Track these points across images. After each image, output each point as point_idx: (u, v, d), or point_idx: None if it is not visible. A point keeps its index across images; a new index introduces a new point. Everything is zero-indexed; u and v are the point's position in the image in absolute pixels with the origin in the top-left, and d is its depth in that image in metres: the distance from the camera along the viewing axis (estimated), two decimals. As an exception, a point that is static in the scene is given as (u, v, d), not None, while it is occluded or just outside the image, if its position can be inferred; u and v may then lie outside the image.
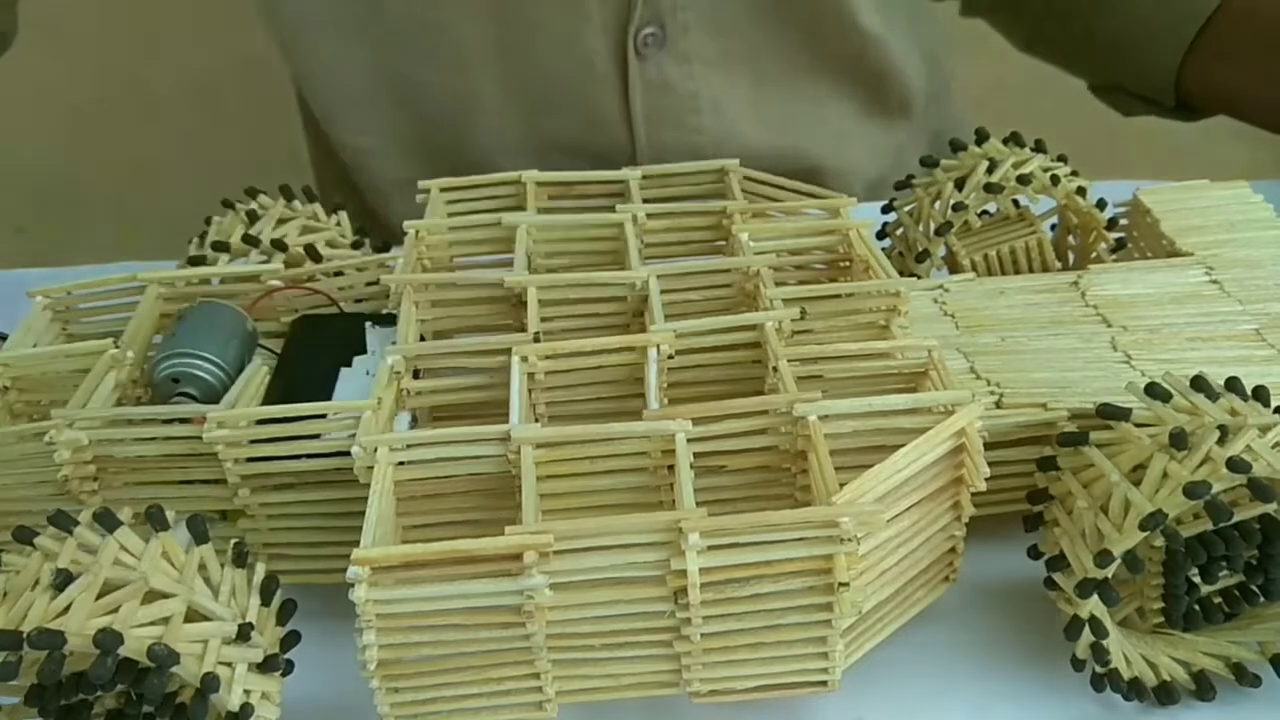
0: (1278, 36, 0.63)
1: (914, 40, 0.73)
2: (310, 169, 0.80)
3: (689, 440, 0.35)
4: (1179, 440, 0.34)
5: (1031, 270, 0.51)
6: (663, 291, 0.42)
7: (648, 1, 0.63)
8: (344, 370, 0.41)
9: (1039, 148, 0.51)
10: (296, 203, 0.51)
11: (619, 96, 0.65)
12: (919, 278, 0.49)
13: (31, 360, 0.42)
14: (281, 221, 0.50)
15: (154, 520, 0.33)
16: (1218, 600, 0.37)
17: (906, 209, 0.51)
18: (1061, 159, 0.51)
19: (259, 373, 0.40)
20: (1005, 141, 0.51)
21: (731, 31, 0.66)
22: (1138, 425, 0.36)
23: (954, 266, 0.50)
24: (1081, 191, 0.50)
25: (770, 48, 0.68)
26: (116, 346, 0.41)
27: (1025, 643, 0.38)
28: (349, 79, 0.67)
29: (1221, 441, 0.34)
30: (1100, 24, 0.69)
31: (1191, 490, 0.33)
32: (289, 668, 0.34)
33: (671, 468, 0.35)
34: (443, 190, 0.48)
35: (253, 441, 0.37)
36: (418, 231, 0.45)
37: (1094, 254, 0.51)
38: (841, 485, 0.33)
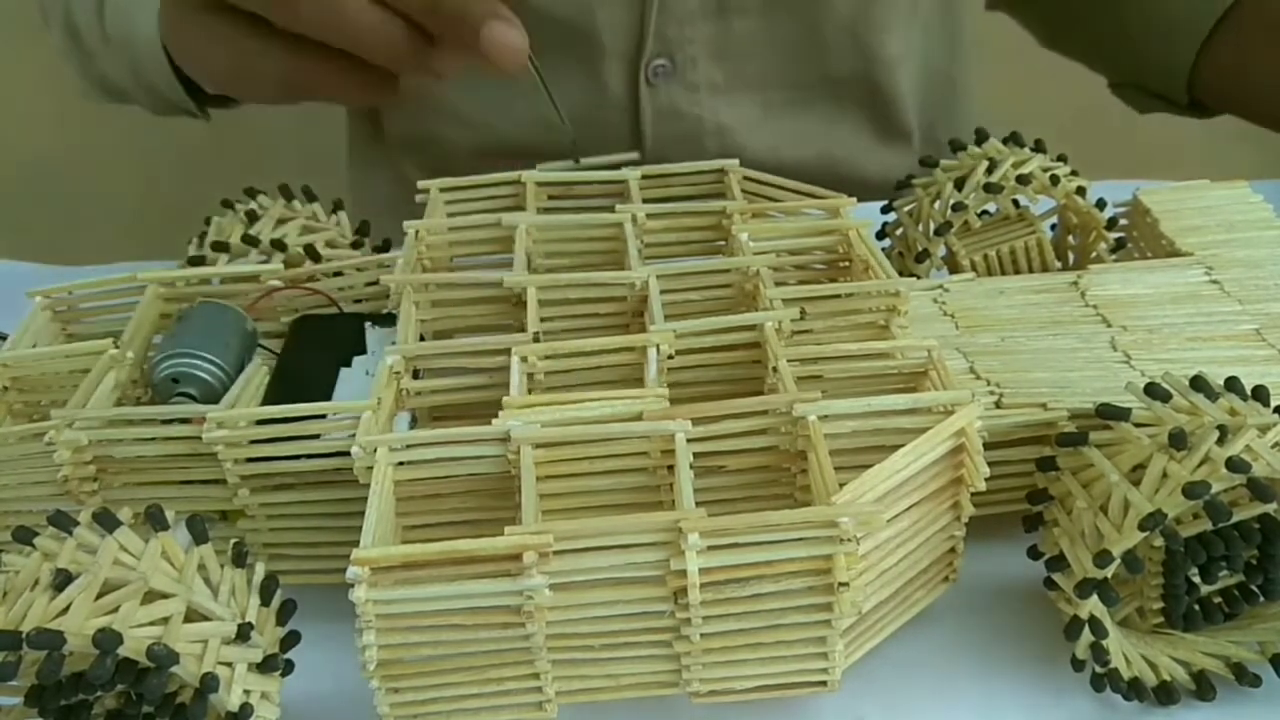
0: None
1: (924, 59, 0.75)
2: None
3: (689, 440, 0.35)
4: (1178, 440, 0.34)
5: (1031, 270, 0.51)
6: (662, 291, 0.42)
7: (658, 36, 0.67)
8: (344, 370, 0.41)
9: (1039, 148, 0.51)
10: (296, 203, 0.51)
11: (630, 121, 0.70)
12: (919, 278, 0.49)
13: (31, 360, 0.42)
14: (281, 221, 0.50)
15: (154, 520, 0.33)
16: (1218, 600, 0.37)
17: (906, 209, 0.51)
18: (1061, 159, 0.51)
19: (259, 373, 0.40)
20: (1005, 141, 0.51)
21: (740, 60, 0.69)
22: (1137, 425, 0.36)
23: (954, 266, 0.50)
24: (1081, 191, 0.50)
25: (779, 75, 0.71)
26: (116, 346, 0.41)
27: (1025, 643, 0.38)
28: None
29: (1221, 441, 0.34)
30: (1119, 16, 0.71)
31: (1191, 490, 0.33)
32: (289, 668, 0.34)
33: (671, 468, 0.35)
34: (442, 190, 0.48)
35: (252, 442, 0.37)
36: (418, 231, 0.45)
37: (1094, 254, 0.51)
38: (841, 485, 0.33)
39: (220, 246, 0.48)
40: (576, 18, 0.67)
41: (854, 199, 0.46)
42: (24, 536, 0.33)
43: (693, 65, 0.69)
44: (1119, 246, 0.51)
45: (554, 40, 0.67)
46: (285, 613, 0.35)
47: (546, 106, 0.50)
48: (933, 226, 0.49)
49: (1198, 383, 0.37)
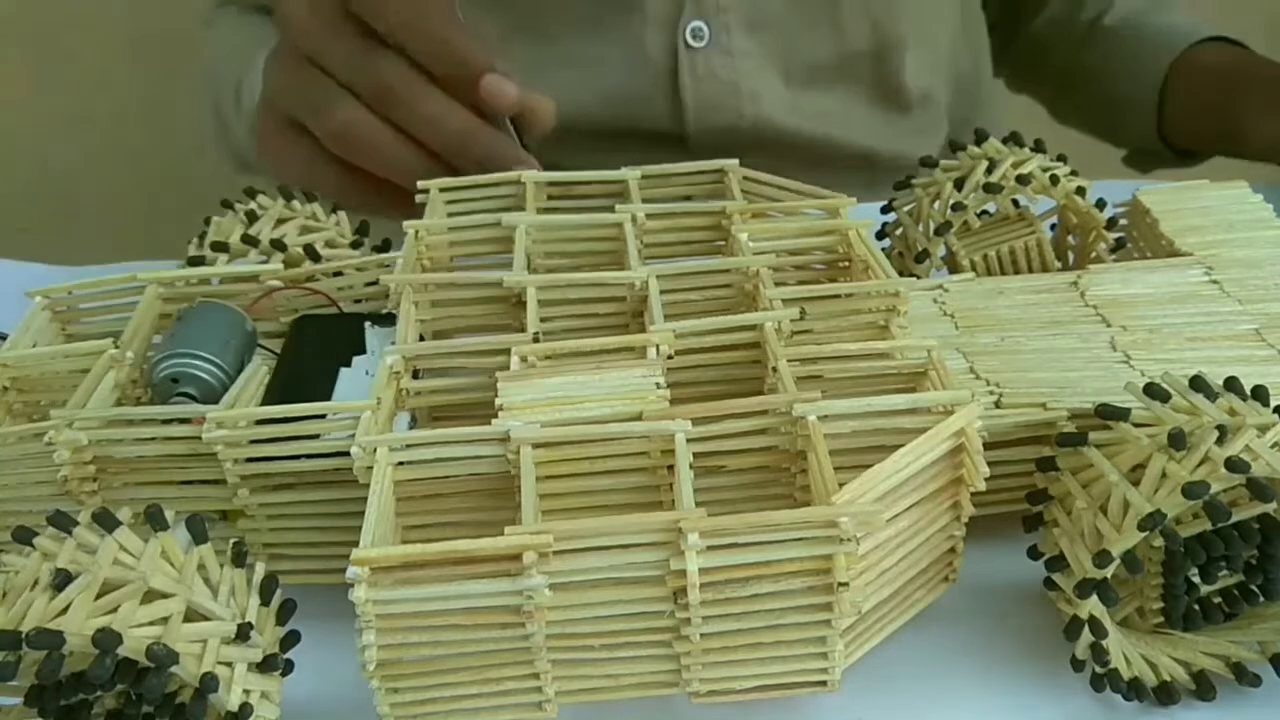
0: (1215, 94, 0.74)
1: (946, 57, 0.79)
2: None
3: (689, 440, 0.35)
4: (1178, 440, 0.34)
5: (1031, 270, 0.51)
6: (662, 291, 0.42)
7: (695, 2, 0.71)
8: (344, 370, 0.41)
9: (1038, 148, 0.51)
10: (295, 203, 0.51)
11: (669, 87, 0.73)
12: (919, 278, 0.49)
13: (31, 360, 0.42)
14: (280, 221, 0.50)
15: (153, 520, 0.33)
16: (1217, 600, 0.37)
17: (906, 209, 0.51)
18: (1061, 159, 0.51)
19: (258, 373, 0.40)
20: (1005, 141, 0.51)
21: (766, 29, 0.73)
22: (1137, 425, 0.36)
23: (954, 266, 0.50)
24: (1081, 191, 0.50)
25: (798, 45, 0.74)
26: (116, 346, 0.41)
27: (1025, 643, 0.38)
28: None
29: (1220, 441, 0.34)
30: (1094, 98, 0.83)
31: (1190, 490, 0.33)
32: (289, 668, 0.34)
33: (671, 468, 0.35)
34: (442, 190, 0.48)
35: (252, 442, 0.37)
36: (417, 231, 0.45)
37: (1093, 254, 0.51)
38: (841, 485, 0.33)
39: (220, 246, 0.48)
40: None
41: (854, 199, 0.46)
42: (24, 536, 0.33)
43: (726, 31, 0.72)
44: (1119, 246, 0.51)
45: (593, 9, 0.71)
46: (285, 613, 0.35)
47: None
48: (933, 226, 0.49)
49: (1197, 383, 0.37)
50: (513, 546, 0.32)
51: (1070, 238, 0.52)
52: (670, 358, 0.39)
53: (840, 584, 0.32)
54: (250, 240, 0.48)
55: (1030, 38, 0.85)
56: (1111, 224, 0.50)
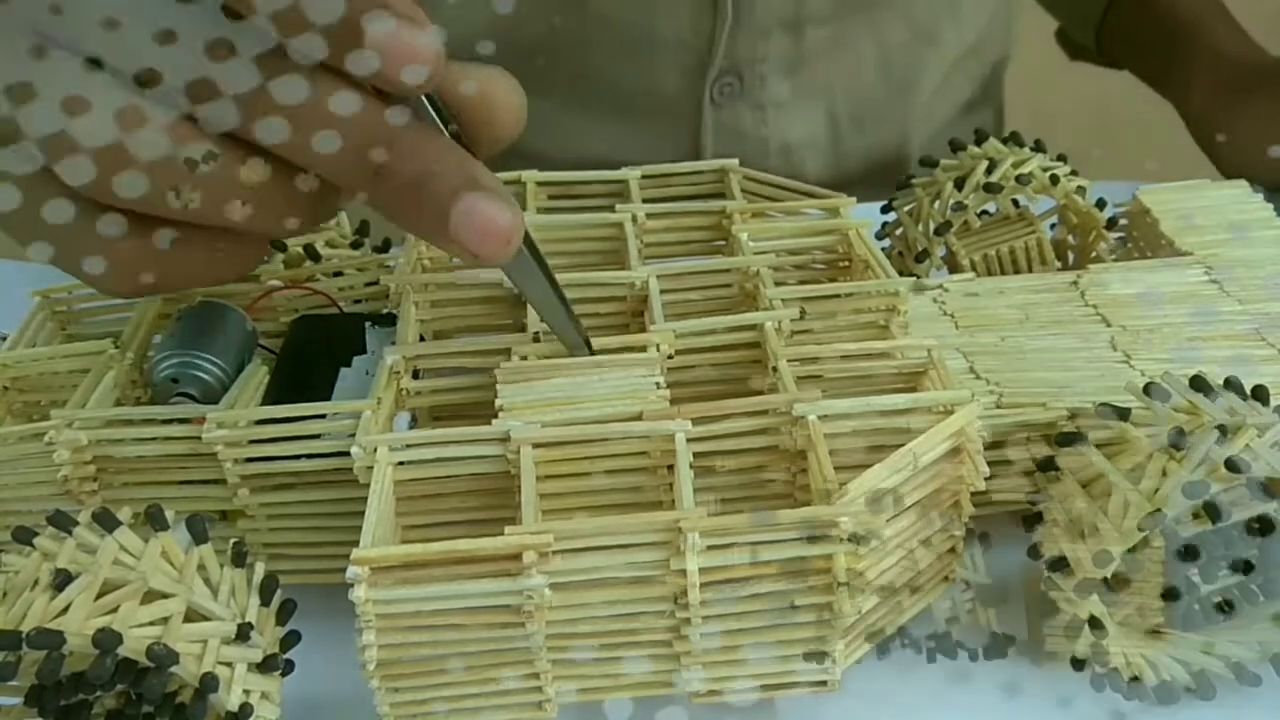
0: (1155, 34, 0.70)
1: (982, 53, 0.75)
2: None
3: (689, 440, 0.35)
4: (1178, 440, 0.34)
5: (1031, 270, 0.51)
6: (662, 291, 0.42)
7: (727, 54, 0.64)
8: (344, 370, 0.41)
9: (1038, 147, 0.51)
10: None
11: (690, 136, 0.66)
12: (919, 278, 0.49)
13: (31, 360, 0.42)
14: (281, 221, 0.50)
15: (153, 520, 0.33)
16: (1218, 600, 0.37)
17: (906, 209, 0.51)
18: (1061, 159, 0.51)
19: (258, 373, 0.40)
20: (1005, 141, 0.51)
21: (806, 71, 0.66)
22: (1137, 425, 0.36)
23: (954, 266, 0.50)
24: (1081, 191, 0.50)
25: (844, 80, 0.68)
26: (116, 346, 0.41)
27: (1025, 643, 0.38)
28: None
29: (1220, 441, 0.34)
30: None
31: (1191, 490, 0.33)
32: (289, 667, 0.34)
33: (671, 468, 0.35)
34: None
35: (252, 442, 0.37)
36: (417, 231, 0.45)
37: (1093, 254, 0.51)
38: (841, 485, 0.33)
39: (220, 246, 0.48)
40: (636, 21, 0.63)
41: (854, 199, 0.46)
42: (24, 536, 0.33)
43: (761, 84, 0.66)
44: (1119, 246, 0.51)
45: (610, 42, 0.64)
46: (285, 613, 0.35)
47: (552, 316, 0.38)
48: (933, 226, 0.49)
49: (1197, 382, 0.37)
50: (513, 546, 0.32)
51: (1070, 238, 0.52)
52: (670, 357, 0.39)
53: (840, 584, 0.32)
54: (250, 240, 0.48)
55: None
56: (1111, 224, 0.50)
